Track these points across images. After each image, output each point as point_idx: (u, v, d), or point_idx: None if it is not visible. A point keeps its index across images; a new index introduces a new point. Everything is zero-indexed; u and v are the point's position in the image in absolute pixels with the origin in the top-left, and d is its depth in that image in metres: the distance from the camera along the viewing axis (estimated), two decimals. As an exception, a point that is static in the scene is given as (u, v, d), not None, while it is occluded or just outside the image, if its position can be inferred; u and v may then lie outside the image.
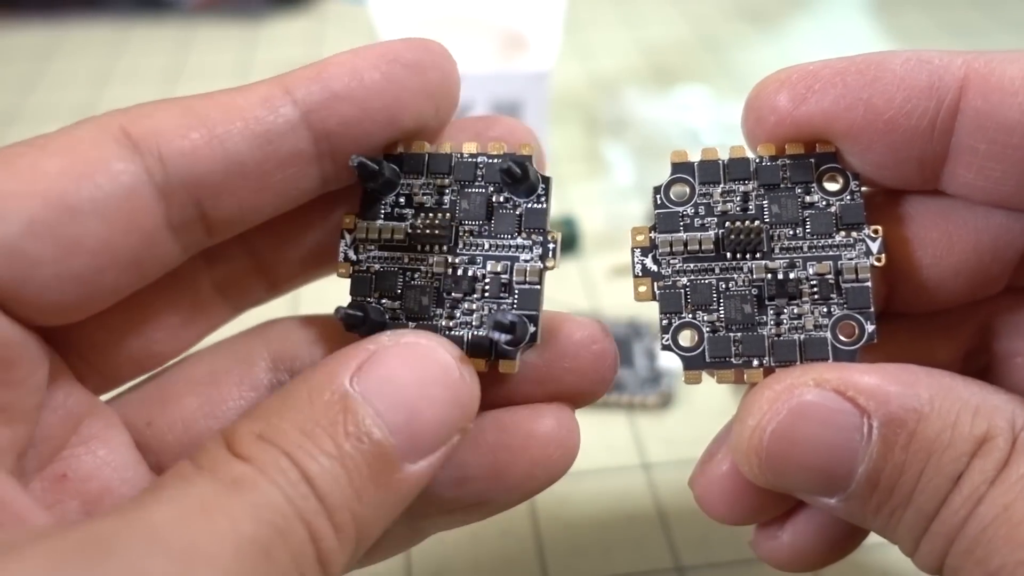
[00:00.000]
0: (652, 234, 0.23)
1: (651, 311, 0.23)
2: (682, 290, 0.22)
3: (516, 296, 0.22)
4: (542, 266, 0.22)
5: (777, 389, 0.20)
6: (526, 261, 0.22)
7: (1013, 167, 0.20)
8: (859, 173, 0.22)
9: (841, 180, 0.22)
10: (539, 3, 0.52)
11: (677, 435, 0.38)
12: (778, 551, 0.23)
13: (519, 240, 0.22)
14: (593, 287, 0.46)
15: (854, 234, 0.22)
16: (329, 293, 0.25)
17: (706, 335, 0.22)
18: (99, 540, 0.16)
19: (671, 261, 0.22)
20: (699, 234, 0.22)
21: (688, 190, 0.23)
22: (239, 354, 0.24)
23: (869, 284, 0.22)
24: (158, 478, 0.18)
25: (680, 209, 0.23)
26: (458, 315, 0.22)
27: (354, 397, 0.18)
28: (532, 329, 0.21)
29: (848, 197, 0.22)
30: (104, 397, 0.23)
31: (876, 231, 0.22)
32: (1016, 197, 0.21)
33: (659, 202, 0.23)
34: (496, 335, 0.21)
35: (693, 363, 0.22)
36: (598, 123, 0.59)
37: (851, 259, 0.22)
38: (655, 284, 0.22)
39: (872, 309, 0.21)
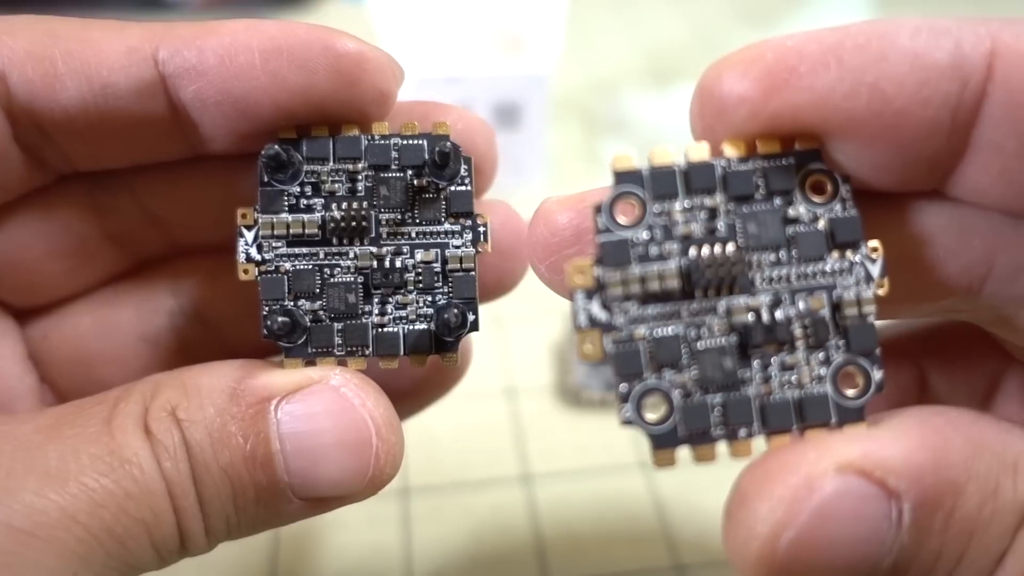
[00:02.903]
0: (597, 270, 0.18)
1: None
2: (641, 344, 0.18)
3: (451, 284, 0.21)
4: (475, 251, 0.21)
5: (792, 485, 0.16)
6: (457, 247, 0.21)
7: None
8: (849, 175, 0.18)
9: (829, 184, 0.18)
10: (540, 5, 0.52)
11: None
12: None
13: (447, 226, 0.21)
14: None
15: (849, 254, 0.18)
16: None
17: (677, 403, 0.18)
18: None
19: (625, 306, 0.18)
20: (657, 266, 0.18)
21: (639, 208, 0.18)
22: (143, 283, 0.24)
23: (874, 321, 0.18)
24: (76, 406, 0.18)
25: (630, 234, 0.18)
26: (390, 310, 0.21)
27: (271, 423, 0.18)
28: (472, 317, 0.21)
29: (839, 207, 0.18)
30: None
31: (875, 249, 0.18)
32: None
33: (602, 226, 0.18)
34: (448, 330, 0.20)
35: (663, 441, 0.18)
36: (597, 123, 0.59)
37: (849, 288, 0.18)
38: (606, 339, 0.18)
39: (879, 351, 0.18)
